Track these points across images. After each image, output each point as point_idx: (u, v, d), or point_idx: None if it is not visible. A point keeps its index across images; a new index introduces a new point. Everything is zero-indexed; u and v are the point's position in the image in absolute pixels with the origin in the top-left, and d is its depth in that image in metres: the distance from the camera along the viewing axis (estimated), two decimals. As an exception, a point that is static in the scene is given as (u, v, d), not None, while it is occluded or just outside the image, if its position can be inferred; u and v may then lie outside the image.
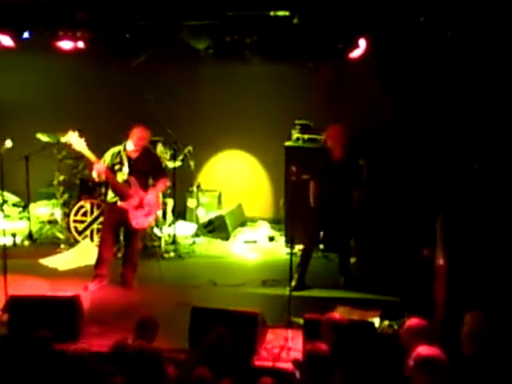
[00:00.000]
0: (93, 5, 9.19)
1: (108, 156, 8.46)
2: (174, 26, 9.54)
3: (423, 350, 4.90)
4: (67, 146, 8.98)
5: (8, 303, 7.16)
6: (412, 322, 5.64)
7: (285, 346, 6.86)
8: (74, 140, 8.36)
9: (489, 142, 8.95)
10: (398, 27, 8.53)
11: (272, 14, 8.70)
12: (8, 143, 9.60)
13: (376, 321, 7.21)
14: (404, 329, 5.70)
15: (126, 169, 8.38)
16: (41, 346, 5.69)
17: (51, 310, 6.91)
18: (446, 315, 6.45)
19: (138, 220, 8.46)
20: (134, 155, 8.47)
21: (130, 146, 8.45)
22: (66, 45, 9.66)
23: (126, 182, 8.39)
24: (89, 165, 8.71)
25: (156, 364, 5.10)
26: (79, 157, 9.39)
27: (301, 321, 6.91)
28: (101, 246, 8.64)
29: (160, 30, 9.67)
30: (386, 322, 7.32)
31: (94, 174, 8.41)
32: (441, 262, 6.75)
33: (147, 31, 9.75)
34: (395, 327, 7.20)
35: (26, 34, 9.47)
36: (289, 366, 6.30)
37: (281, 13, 8.70)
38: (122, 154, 8.43)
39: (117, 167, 8.40)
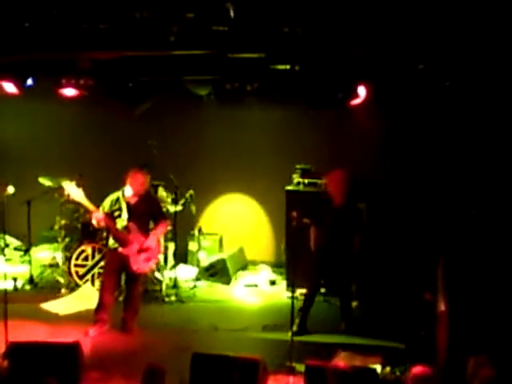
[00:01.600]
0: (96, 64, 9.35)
1: (107, 203, 8.50)
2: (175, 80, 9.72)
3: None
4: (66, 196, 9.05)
5: (8, 349, 7.12)
6: (417, 370, 5.62)
7: (286, 393, 6.84)
8: (72, 190, 8.43)
9: (487, 188, 9.00)
10: (397, 74, 8.62)
11: (272, 67, 8.81)
12: (10, 189, 9.71)
13: (378, 367, 7.16)
14: (409, 377, 5.68)
15: (125, 215, 8.42)
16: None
17: (52, 356, 6.86)
18: (447, 361, 6.42)
19: (139, 265, 8.46)
20: (132, 200, 8.51)
21: (128, 191, 8.50)
22: (69, 92, 9.77)
23: (126, 228, 8.42)
24: (89, 212, 8.74)
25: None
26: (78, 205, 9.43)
27: (302, 367, 6.87)
28: (102, 291, 8.62)
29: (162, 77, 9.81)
30: (388, 369, 7.27)
31: (94, 222, 8.48)
32: (442, 307, 6.75)
33: (149, 81, 9.90)
34: (397, 373, 7.15)
35: (29, 81, 9.56)
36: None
37: (281, 66, 8.80)
38: (121, 200, 8.48)
39: (116, 214, 8.44)
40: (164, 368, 6.01)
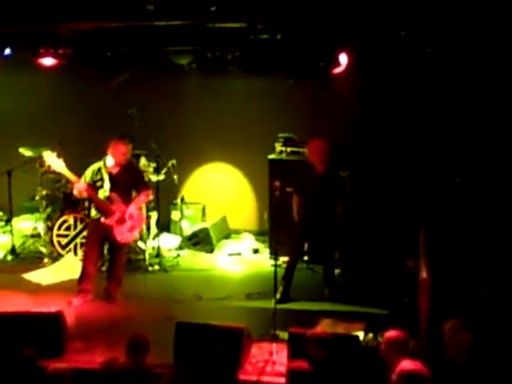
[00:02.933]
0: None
1: (88, 173, 8.45)
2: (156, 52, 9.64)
3: (406, 364, 4.93)
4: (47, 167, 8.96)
5: (-9, 320, 7.11)
6: (390, 334, 5.66)
7: (269, 360, 6.87)
8: (53, 161, 8.37)
9: (471, 154, 9.03)
10: (378, 42, 8.59)
11: (252, 37, 8.73)
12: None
13: (360, 334, 7.22)
14: (383, 341, 5.72)
15: (107, 185, 8.37)
16: (25, 364, 5.68)
17: (35, 326, 6.88)
18: (429, 327, 6.47)
19: (123, 235, 8.45)
20: (114, 170, 8.46)
21: (109, 161, 8.44)
22: (47, 61, 9.64)
23: (108, 198, 8.37)
24: (70, 182, 8.68)
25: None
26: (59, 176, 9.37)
27: (285, 334, 6.92)
28: (85, 262, 8.60)
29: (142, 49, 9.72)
30: (371, 335, 7.32)
31: (75, 193, 8.43)
32: (424, 274, 6.79)
33: (129, 51, 9.80)
34: (380, 340, 7.20)
35: (7, 51, 9.42)
36: (274, 379, 6.34)
37: (263, 36, 8.73)
38: (103, 170, 8.42)
39: (98, 184, 8.39)
40: (148, 338, 6.04)
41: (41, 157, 9.98)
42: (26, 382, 5.58)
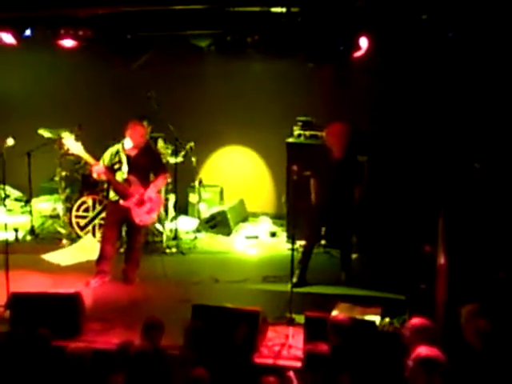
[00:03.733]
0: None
1: (107, 156, 8.47)
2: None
3: (422, 350, 4.93)
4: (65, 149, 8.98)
5: (10, 300, 7.18)
6: (416, 321, 5.66)
7: (285, 344, 6.89)
8: (71, 144, 8.41)
9: (491, 141, 8.95)
10: (399, 25, 8.50)
11: (271, 21, 8.68)
12: (10, 141, 9.69)
13: (377, 318, 7.22)
14: (407, 328, 5.72)
15: (125, 167, 8.39)
16: (39, 344, 5.74)
17: (53, 306, 6.95)
18: (446, 314, 6.45)
19: (141, 217, 8.47)
20: (132, 153, 8.47)
21: (128, 143, 8.45)
22: (67, 43, 9.65)
23: (126, 180, 8.39)
24: (89, 164, 8.72)
25: (159, 365, 5.15)
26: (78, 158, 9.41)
27: (302, 318, 6.93)
28: (103, 243, 8.65)
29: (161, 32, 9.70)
30: (387, 320, 7.33)
31: (94, 175, 8.47)
32: (442, 260, 6.76)
33: (149, 34, 9.80)
34: (396, 325, 7.21)
35: (27, 32, 9.44)
36: (290, 363, 6.36)
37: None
38: (121, 152, 8.44)
39: (116, 166, 8.41)
40: (162, 320, 6.07)
41: (60, 138, 10.06)
42: (40, 362, 5.63)
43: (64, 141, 8.46)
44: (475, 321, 5.45)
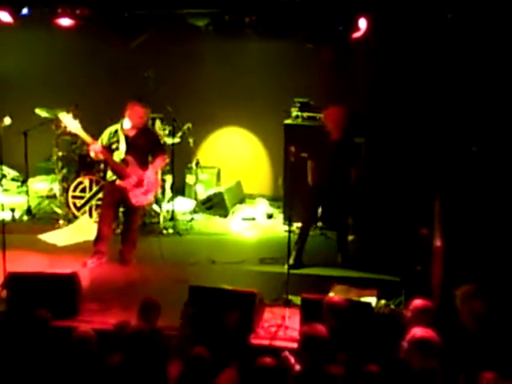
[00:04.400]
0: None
1: (105, 135, 8.43)
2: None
3: (417, 331, 4.96)
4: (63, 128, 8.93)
5: (7, 280, 7.18)
6: (418, 302, 5.69)
7: (282, 325, 6.90)
8: (69, 121, 8.35)
9: (489, 124, 8.95)
10: (398, 6, 8.47)
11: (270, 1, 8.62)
12: (7, 120, 9.65)
13: (373, 300, 7.24)
14: (409, 308, 5.75)
15: (123, 147, 8.36)
16: (39, 325, 5.74)
17: (50, 286, 6.94)
18: (442, 296, 6.49)
19: (138, 198, 8.46)
20: (131, 133, 8.44)
21: (126, 124, 8.41)
22: (64, 22, 9.59)
23: (124, 160, 8.37)
24: (86, 144, 8.69)
25: (156, 345, 5.18)
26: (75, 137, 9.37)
27: (298, 299, 6.95)
28: (100, 224, 8.64)
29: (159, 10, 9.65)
30: (383, 302, 7.35)
31: (92, 154, 8.43)
32: (438, 243, 6.78)
33: (146, 12, 9.74)
34: (392, 306, 7.24)
35: (24, 11, 9.39)
36: (286, 344, 6.38)
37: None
38: (120, 132, 8.40)
39: (114, 146, 8.38)
40: (158, 302, 6.09)
41: (57, 118, 10.03)
42: (39, 342, 5.65)
43: (61, 118, 8.40)
44: (470, 302, 5.48)
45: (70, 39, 10.87)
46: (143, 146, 8.49)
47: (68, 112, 9.17)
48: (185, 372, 5.12)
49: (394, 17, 8.81)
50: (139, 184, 8.41)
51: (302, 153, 8.85)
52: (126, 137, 8.40)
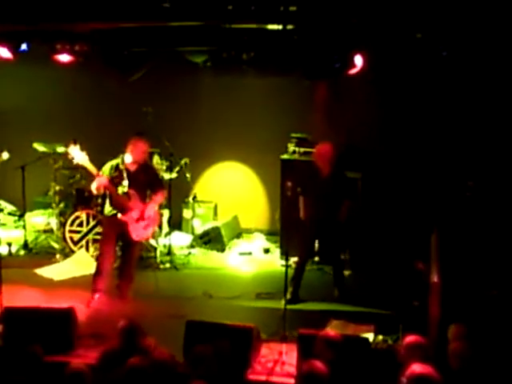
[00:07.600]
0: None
1: (106, 169, 8.44)
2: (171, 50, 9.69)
3: (416, 367, 4.94)
4: (68, 159, 8.91)
5: (2, 315, 7.15)
6: (410, 338, 5.67)
7: (279, 360, 6.87)
8: (76, 153, 8.33)
9: (484, 158, 9.01)
10: (394, 44, 8.57)
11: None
12: (5, 155, 9.70)
13: (370, 336, 7.22)
14: (402, 345, 5.73)
15: (126, 182, 8.38)
16: (31, 360, 5.70)
17: (46, 321, 6.91)
18: (439, 332, 6.47)
19: (138, 232, 8.46)
20: (132, 168, 8.47)
21: (128, 158, 8.45)
22: (63, 58, 9.66)
23: (126, 194, 8.39)
24: (88, 177, 8.69)
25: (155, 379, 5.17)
26: (78, 167, 9.37)
27: (295, 335, 6.92)
28: (101, 259, 8.55)
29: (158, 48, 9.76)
30: (380, 337, 7.34)
31: (93, 187, 8.37)
32: (435, 278, 6.78)
33: (145, 49, 9.85)
34: (389, 342, 7.22)
35: (23, 46, 9.45)
36: (283, 380, 6.35)
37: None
38: (121, 167, 8.42)
39: (116, 180, 8.40)
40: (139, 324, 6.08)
41: (55, 152, 10.08)
42: (32, 378, 5.61)
43: (69, 150, 8.37)
44: (455, 342, 5.51)
45: (68, 74, 10.92)
46: (143, 181, 8.52)
47: (66, 147, 9.18)
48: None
49: (389, 54, 8.90)
50: (140, 218, 8.42)
51: (298, 188, 8.88)
52: (128, 171, 8.41)
